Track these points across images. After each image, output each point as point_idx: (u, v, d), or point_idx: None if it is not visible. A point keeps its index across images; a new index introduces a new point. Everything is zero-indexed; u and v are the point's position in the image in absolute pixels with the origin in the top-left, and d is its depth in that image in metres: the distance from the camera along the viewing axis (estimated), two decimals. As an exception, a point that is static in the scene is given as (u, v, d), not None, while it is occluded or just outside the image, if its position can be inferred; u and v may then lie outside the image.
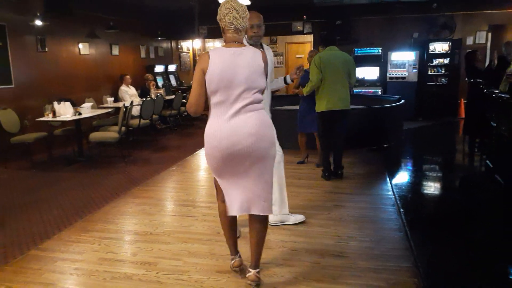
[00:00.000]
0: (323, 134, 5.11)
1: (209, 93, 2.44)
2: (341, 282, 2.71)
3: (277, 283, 2.73)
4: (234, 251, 2.84)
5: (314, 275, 2.81)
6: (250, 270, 2.64)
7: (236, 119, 2.41)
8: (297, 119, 5.71)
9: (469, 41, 9.93)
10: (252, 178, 2.49)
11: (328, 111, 4.89)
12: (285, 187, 3.64)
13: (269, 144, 2.50)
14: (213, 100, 2.44)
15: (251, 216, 2.58)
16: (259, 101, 2.49)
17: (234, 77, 2.39)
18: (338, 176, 5.11)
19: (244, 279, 2.73)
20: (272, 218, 3.55)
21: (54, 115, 6.07)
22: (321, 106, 4.94)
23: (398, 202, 4.25)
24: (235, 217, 2.74)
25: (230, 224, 2.76)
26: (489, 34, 9.85)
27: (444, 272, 2.99)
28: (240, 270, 2.83)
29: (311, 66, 4.99)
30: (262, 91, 2.52)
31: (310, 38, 11.55)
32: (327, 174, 5.09)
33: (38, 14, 6.78)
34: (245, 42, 2.99)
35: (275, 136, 2.55)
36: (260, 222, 2.57)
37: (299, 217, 3.71)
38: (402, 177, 5.71)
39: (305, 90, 5.08)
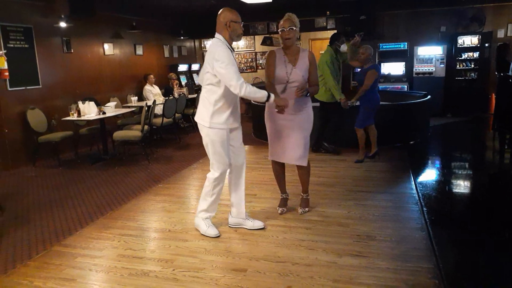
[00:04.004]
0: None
1: None
2: (358, 283, 2.65)
3: (293, 281, 2.70)
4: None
5: (330, 275, 2.76)
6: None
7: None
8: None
9: (501, 34, 9.49)
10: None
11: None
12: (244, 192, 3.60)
13: None
14: None
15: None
16: None
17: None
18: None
19: (263, 274, 2.78)
20: (230, 220, 3.63)
21: (79, 114, 6.21)
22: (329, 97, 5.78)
23: (422, 200, 4.13)
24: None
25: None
26: (522, 26, 9.43)
27: (467, 275, 2.88)
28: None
29: (325, 65, 5.52)
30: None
31: (333, 34, 11.39)
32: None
33: (63, 16, 6.94)
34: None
35: None
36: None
37: (257, 224, 3.55)
38: (427, 175, 5.54)
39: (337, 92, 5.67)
